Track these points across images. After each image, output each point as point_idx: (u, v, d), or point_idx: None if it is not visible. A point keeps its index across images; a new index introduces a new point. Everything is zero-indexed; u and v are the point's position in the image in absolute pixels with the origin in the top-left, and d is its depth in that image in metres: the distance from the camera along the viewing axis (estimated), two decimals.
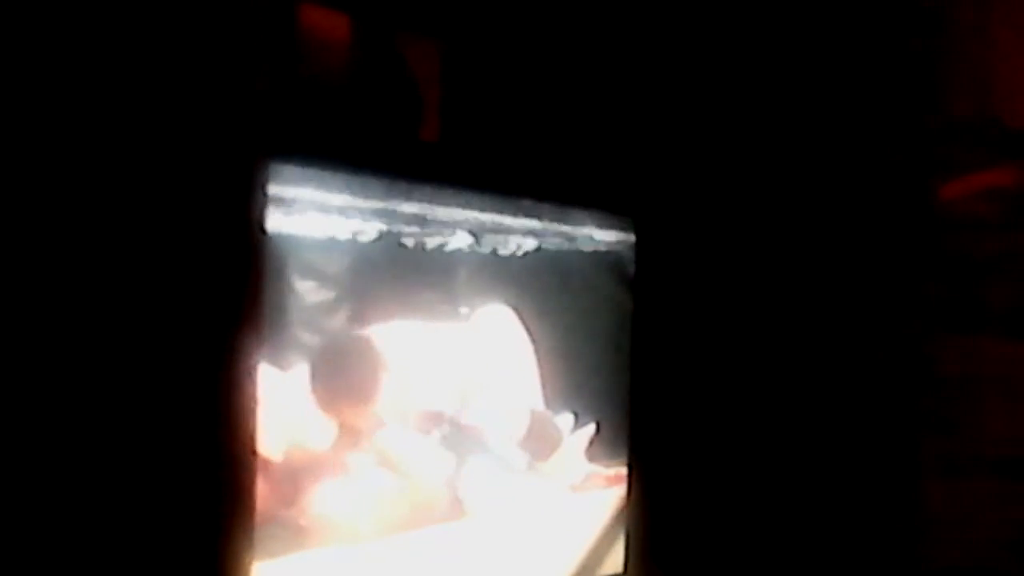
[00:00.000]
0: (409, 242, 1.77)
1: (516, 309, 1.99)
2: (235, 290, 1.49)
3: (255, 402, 1.51)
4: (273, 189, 1.54)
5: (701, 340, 2.42)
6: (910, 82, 2.40)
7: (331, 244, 1.65)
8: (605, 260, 2.16)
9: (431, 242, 1.81)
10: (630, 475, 2.19)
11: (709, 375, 2.42)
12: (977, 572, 2.35)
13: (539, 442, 2.03)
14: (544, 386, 2.05)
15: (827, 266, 2.43)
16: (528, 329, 2.01)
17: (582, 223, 2.11)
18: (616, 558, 2.18)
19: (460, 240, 1.85)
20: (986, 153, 2.38)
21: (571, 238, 2.09)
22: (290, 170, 1.57)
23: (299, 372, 1.63)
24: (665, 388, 2.35)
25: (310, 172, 1.60)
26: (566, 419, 2.10)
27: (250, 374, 1.50)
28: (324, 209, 1.63)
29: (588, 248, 2.13)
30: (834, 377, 2.43)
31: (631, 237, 2.19)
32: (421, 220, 1.79)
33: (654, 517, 2.24)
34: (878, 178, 2.41)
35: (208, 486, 1.47)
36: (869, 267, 2.42)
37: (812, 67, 2.41)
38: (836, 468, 2.42)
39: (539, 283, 2.02)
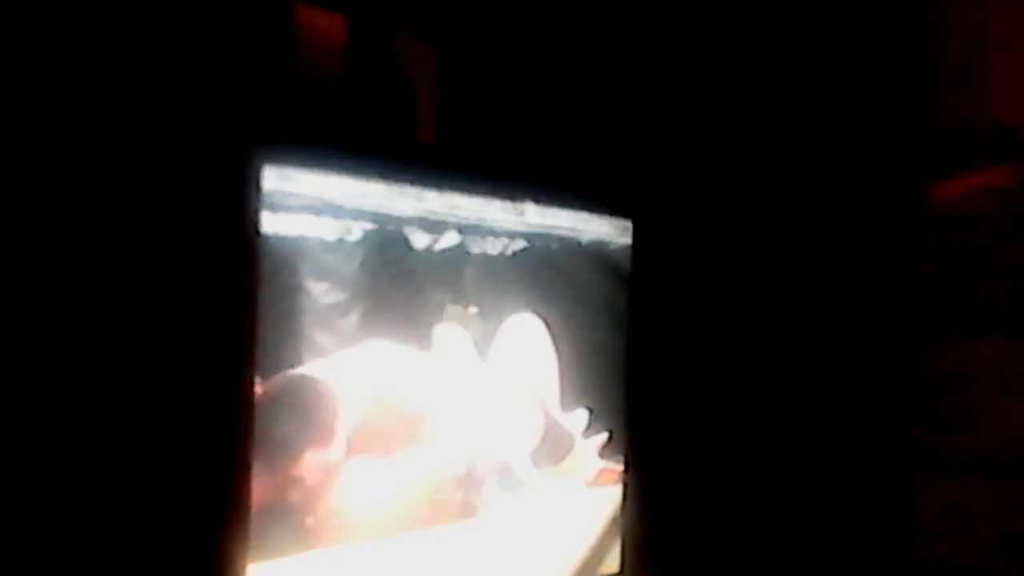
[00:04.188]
0: (408, 242, 1.77)
1: (537, 313, 1.99)
2: (230, 289, 1.49)
3: (251, 403, 1.51)
4: (268, 188, 1.54)
5: (697, 340, 2.42)
6: (907, 81, 2.40)
7: (326, 245, 1.64)
8: (602, 259, 2.16)
9: (429, 242, 1.81)
10: (625, 474, 2.20)
11: (705, 375, 2.42)
12: (970, 571, 2.35)
13: (552, 448, 2.04)
14: (561, 387, 2.06)
15: (823, 265, 2.44)
16: (552, 334, 2.02)
17: (579, 223, 2.11)
18: (614, 557, 2.19)
19: (457, 239, 1.85)
20: (982, 152, 2.38)
21: (569, 237, 2.09)
22: (285, 170, 1.57)
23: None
24: (660, 387, 2.35)
25: (305, 172, 1.60)
26: (580, 415, 2.11)
27: (246, 375, 1.50)
28: (319, 209, 1.63)
29: (586, 247, 2.13)
30: (829, 376, 2.43)
31: (627, 236, 2.19)
32: (418, 220, 1.78)
33: (650, 517, 2.24)
34: (875, 177, 2.41)
35: (203, 486, 1.47)
36: (865, 266, 2.42)
37: (809, 68, 2.41)
38: (831, 467, 2.42)
39: (541, 282, 2.02)
